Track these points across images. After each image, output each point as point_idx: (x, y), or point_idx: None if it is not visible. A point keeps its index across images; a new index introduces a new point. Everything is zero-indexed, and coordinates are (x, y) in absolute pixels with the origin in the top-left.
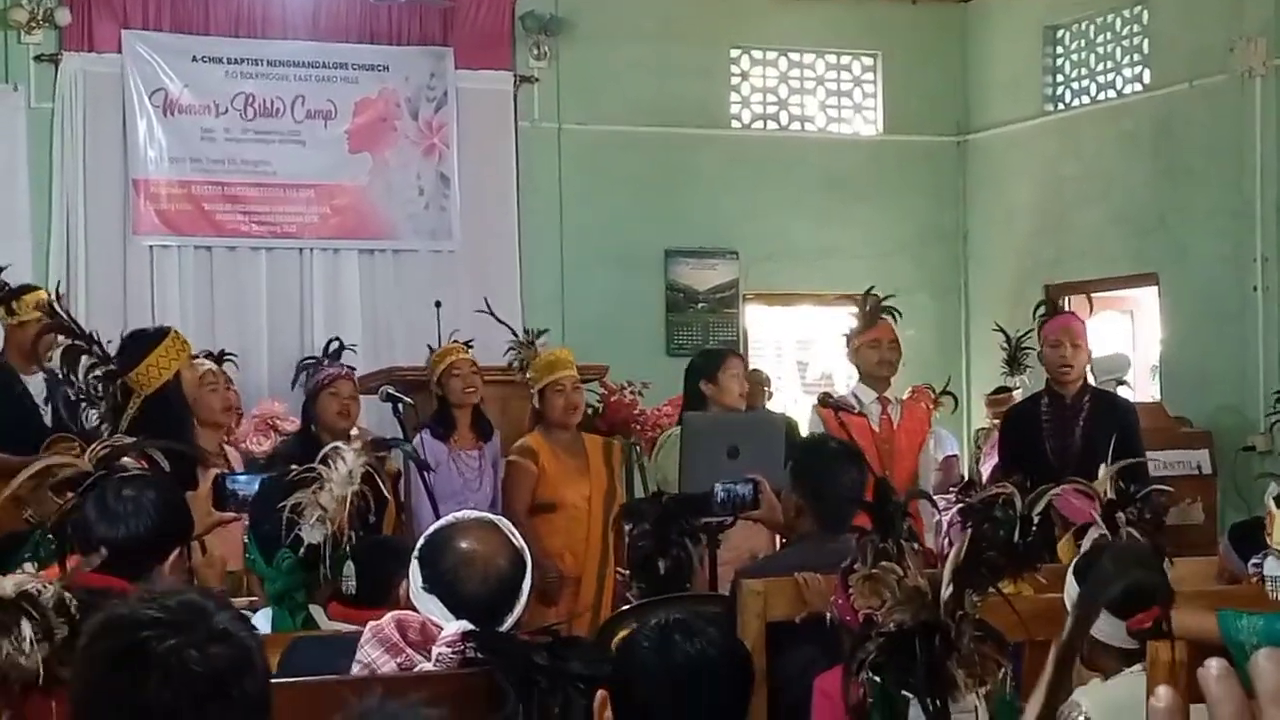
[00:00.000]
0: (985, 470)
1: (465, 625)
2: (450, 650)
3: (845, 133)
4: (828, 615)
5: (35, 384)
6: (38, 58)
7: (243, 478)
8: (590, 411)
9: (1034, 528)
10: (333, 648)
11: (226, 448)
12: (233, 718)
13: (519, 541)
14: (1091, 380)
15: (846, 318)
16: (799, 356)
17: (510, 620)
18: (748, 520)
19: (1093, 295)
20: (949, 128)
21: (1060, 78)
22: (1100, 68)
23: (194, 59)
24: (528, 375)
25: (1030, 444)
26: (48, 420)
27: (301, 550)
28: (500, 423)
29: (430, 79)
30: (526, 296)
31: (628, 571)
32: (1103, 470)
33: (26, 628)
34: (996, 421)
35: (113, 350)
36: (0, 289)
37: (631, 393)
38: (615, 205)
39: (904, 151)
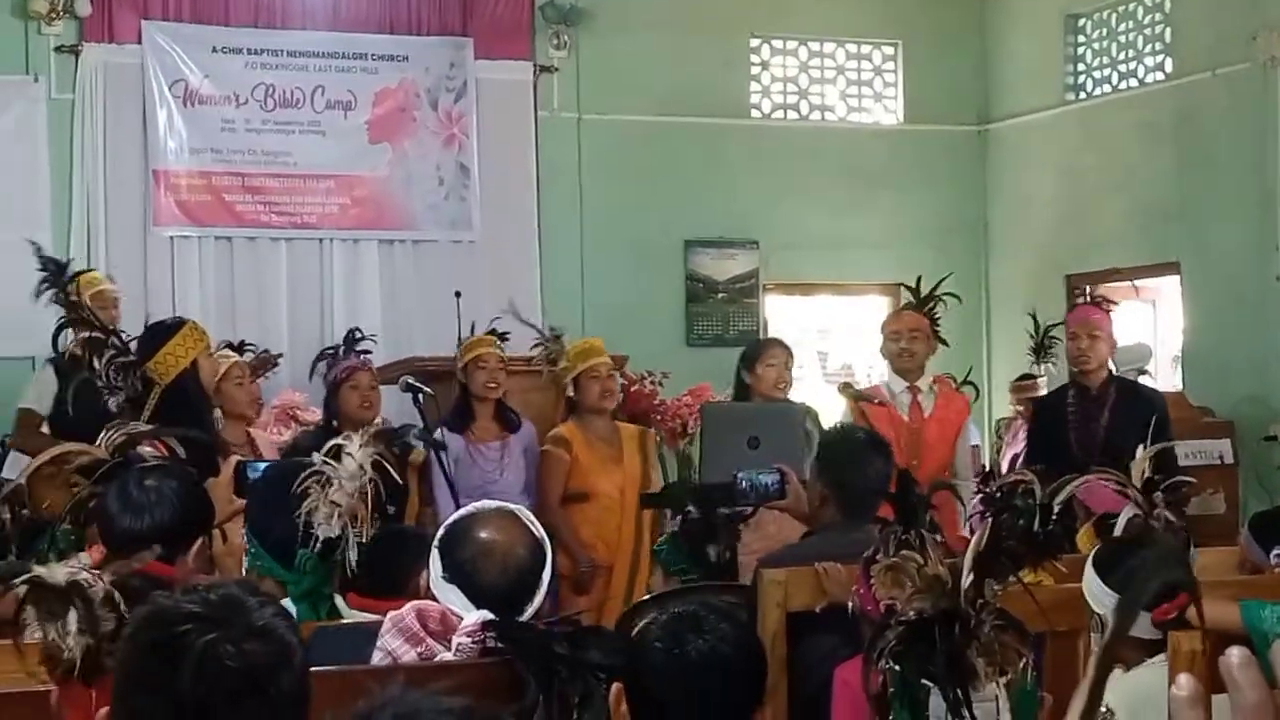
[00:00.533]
0: (1006, 460)
1: (485, 615)
2: (470, 640)
3: (866, 122)
4: (849, 605)
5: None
6: (58, 49)
7: (263, 465)
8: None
9: (1054, 517)
10: (354, 637)
11: (256, 434)
12: (267, 715)
13: (539, 531)
14: (1114, 370)
15: (868, 308)
16: (819, 346)
17: (530, 610)
18: (772, 510)
19: (1113, 284)
20: (970, 117)
21: (1081, 67)
22: (1122, 56)
23: (214, 50)
24: (561, 365)
25: (1056, 435)
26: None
27: (316, 546)
28: (522, 413)
29: (450, 69)
30: (546, 287)
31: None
32: (1140, 452)
33: (72, 619)
34: (1019, 409)
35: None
36: (57, 273)
37: (651, 383)
38: (635, 195)
39: (924, 141)
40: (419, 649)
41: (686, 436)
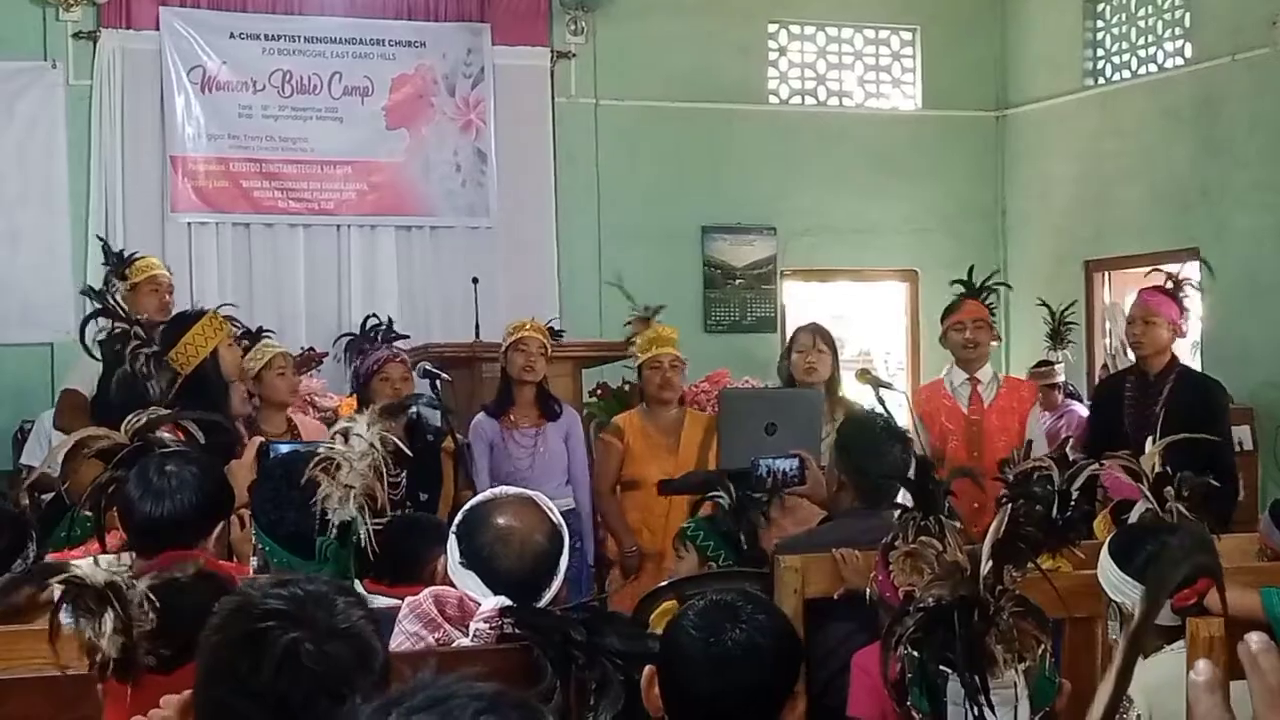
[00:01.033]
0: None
1: (503, 601)
2: (488, 626)
3: (884, 108)
4: (867, 591)
5: None
6: (76, 35)
7: (284, 446)
8: (626, 388)
9: (1072, 502)
10: None
11: (300, 419)
12: (344, 714)
13: (557, 517)
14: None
15: (885, 293)
16: (837, 333)
17: (548, 596)
18: (792, 495)
19: (1130, 271)
20: (988, 102)
21: (1101, 52)
22: (1141, 41)
23: (231, 36)
24: (632, 349)
25: (1112, 419)
26: (155, 395)
27: (333, 532)
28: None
29: (467, 55)
30: (563, 273)
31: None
32: (1149, 446)
33: (109, 618)
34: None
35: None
36: (115, 259)
37: None
38: (652, 181)
39: (943, 126)
40: (436, 634)
41: None
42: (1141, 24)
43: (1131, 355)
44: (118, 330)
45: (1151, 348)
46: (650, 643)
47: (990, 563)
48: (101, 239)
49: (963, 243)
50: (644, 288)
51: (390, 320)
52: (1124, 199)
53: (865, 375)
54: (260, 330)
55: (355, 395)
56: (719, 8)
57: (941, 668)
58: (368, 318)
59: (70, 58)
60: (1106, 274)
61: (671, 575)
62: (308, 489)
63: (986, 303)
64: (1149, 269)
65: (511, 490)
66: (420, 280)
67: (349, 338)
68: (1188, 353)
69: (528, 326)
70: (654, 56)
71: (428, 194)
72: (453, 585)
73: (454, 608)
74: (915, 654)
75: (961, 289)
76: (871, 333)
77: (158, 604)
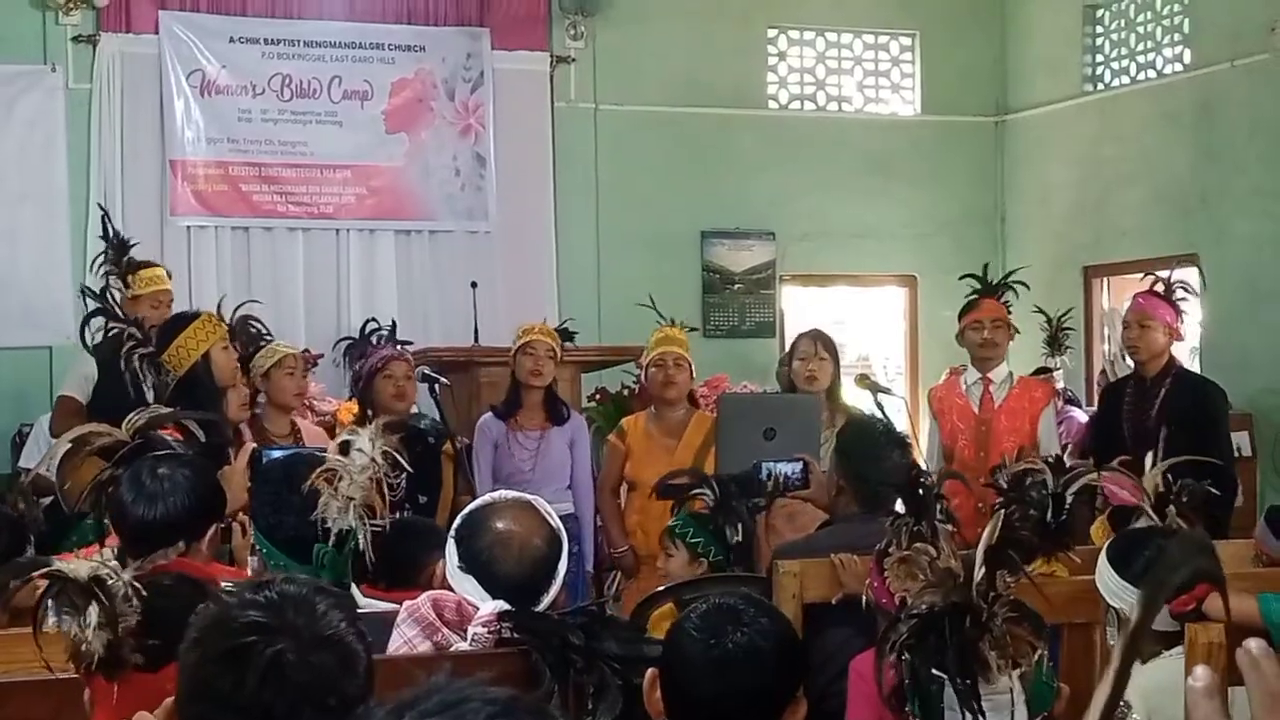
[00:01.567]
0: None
1: (501, 605)
2: (486, 630)
3: (883, 113)
4: (863, 597)
5: None
6: (75, 38)
7: (277, 452)
8: (626, 392)
9: (1067, 508)
10: (370, 627)
11: (303, 424)
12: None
13: (555, 521)
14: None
15: (884, 299)
16: (836, 338)
17: (546, 600)
18: (795, 500)
19: (1129, 276)
20: (987, 108)
21: (1100, 57)
22: (1140, 47)
23: (231, 40)
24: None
25: (1111, 425)
26: (151, 399)
27: (332, 541)
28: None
29: (467, 60)
30: (562, 277)
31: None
32: (1149, 459)
33: (93, 613)
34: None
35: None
36: (124, 266)
37: None
38: (651, 186)
39: (942, 132)
40: (435, 638)
41: None
42: (1141, 30)
43: (1130, 361)
44: (114, 331)
45: (1147, 352)
46: (648, 647)
47: (983, 569)
48: (102, 209)
49: (962, 248)
50: (643, 292)
51: (395, 323)
52: (1123, 205)
53: (864, 381)
54: (261, 334)
55: (356, 396)
56: (718, 13)
57: (935, 673)
58: (367, 322)
59: (70, 61)
60: (1105, 280)
61: (662, 574)
62: (308, 495)
63: (1002, 301)
64: (1146, 274)
65: (510, 494)
66: (419, 284)
67: (348, 342)
68: (1187, 358)
69: (537, 330)
70: (653, 61)
71: (427, 198)
72: (451, 589)
73: (452, 612)
74: (909, 660)
75: (976, 287)
76: (870, 338)
77: (143, 592)
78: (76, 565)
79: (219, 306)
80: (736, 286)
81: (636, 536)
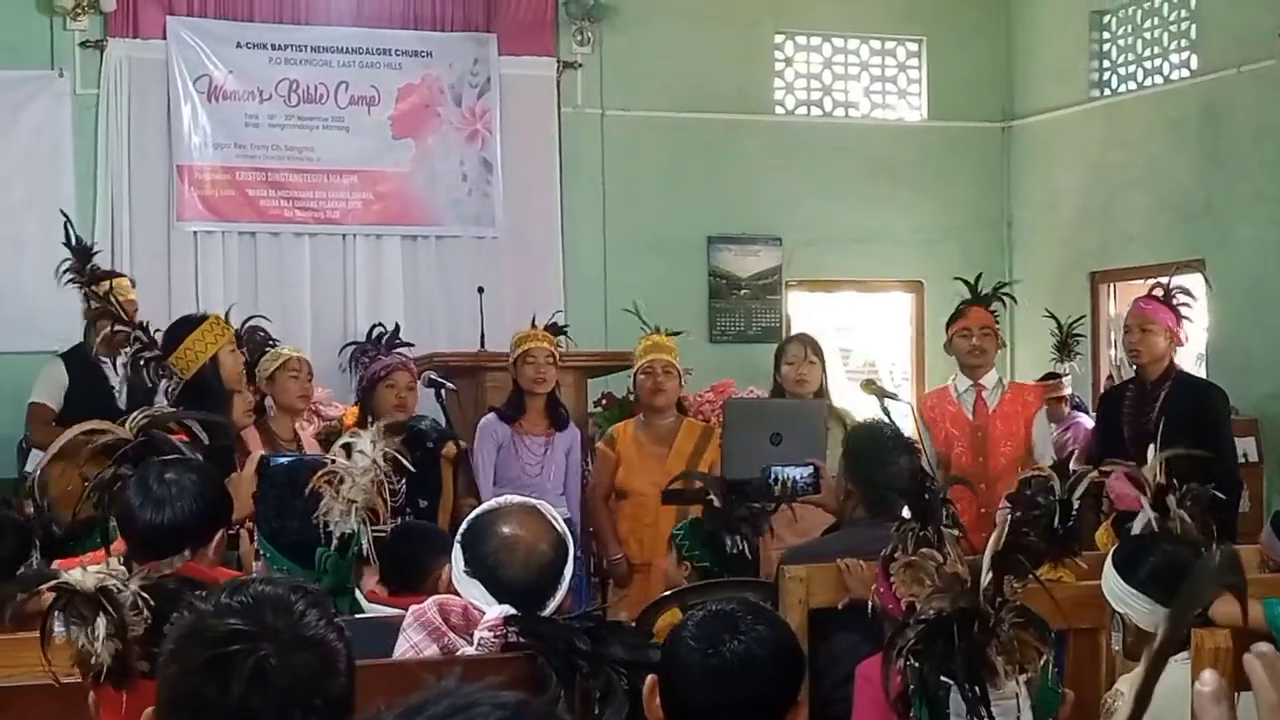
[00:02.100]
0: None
1: (507, 610)
2: (492, 634)
3: (889, 118)
4: (869, 602)
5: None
6: (83, 44)
7: (285, 460)
8: (632, 397)
9: (1074, 512)
10: (376, 631)
11: (303, 434)
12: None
13: (561, 526)
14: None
15: (891, 304)
16: (842, 343)
17: (552, 605)
18: (806, 505)
19: (1136, 282)
20: (994, 113)
21: (1106, 63)
22: (1147, 53)
23: (238, 45)
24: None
25: (1113, 430)
26: (122, 404)
27: (334, 545)
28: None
29: (474, 65)
30: (569, 283)
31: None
32: (1151, 455)
33: (101, 623)
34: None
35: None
36: (89, 273)
37: None
38: (658, 191)
39: (948, 137)
40: (441, 643)
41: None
42: (1147, 36)
43: (1130, 366)
44: (118, 332)
45: (1149, 355)
46: (654, 652)
47: (990, 574)
48: (65, 215)
49: (968, 253)
50: (649, 298)
51: (397, 326)
52: (1130, 210)
53: (870, 386)
54: (266, 341)
55: (358, 402)
56: (725, 18)
57: (943, 679)
58: (373, 327)
59: (77, 67)
60: (1112, 285)
61: (666, 578)
62: (310, 499)
63: (991, 310)
64: (1152, 280)
65: (516, 499)
66: (426, 289)
67: (354, 347)
68: (1193, 363)
69: (533, 337)
70: (660, 67)
71: (433, 203)
72: (457, 594)
73: (458, 616)
74: (916, 666)
75: (966, 293)
76: (877, 343)
77: (151, 601)
78: (83, 576)
79: (227, 315)
80: (743, 292)
81: (630, 545)
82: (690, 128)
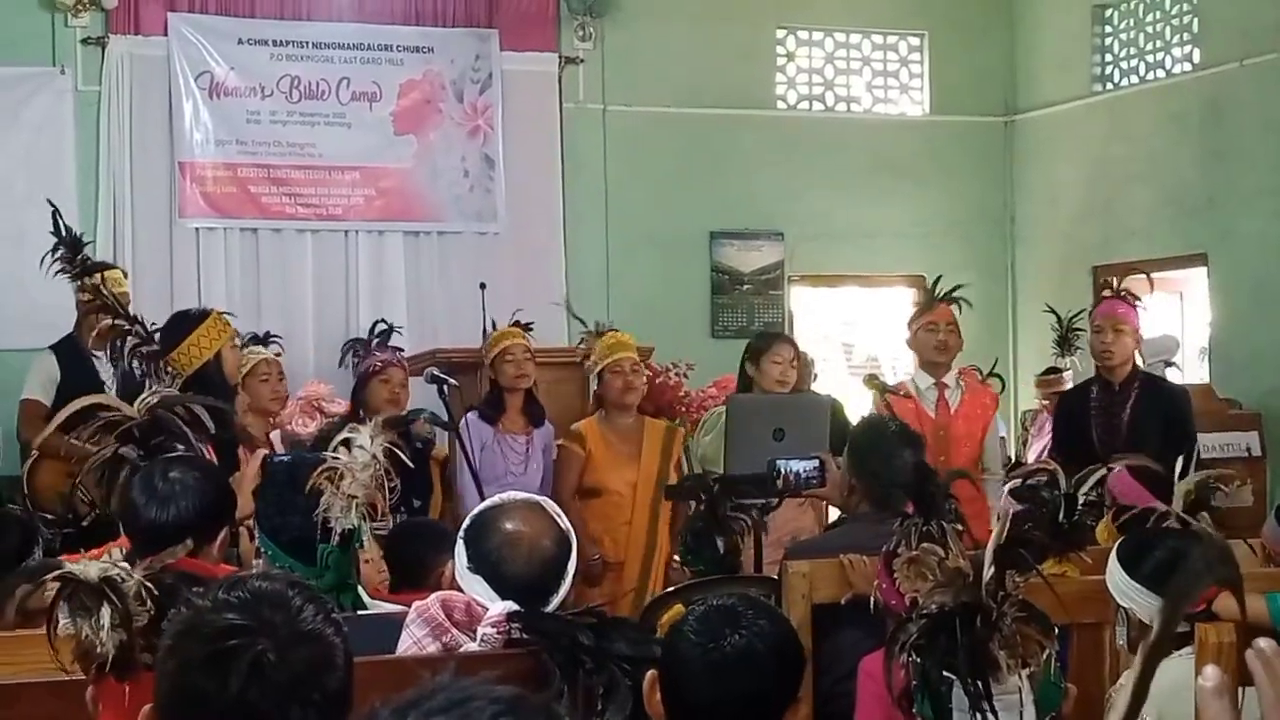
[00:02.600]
0: (1032, 453)
1: (510, 606)
2: (495, 631)
3: (892, 113)
4: (872, 597)
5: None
6: (84, 41)
7: (285, 457)
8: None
9: (1079, 508)
10: (379, 628)
11: (274, 437)
12: (314, 715)
13: (564, 523)
14: (1141, 364)
15: (893, 299)
16: (845, 338)
17: (555, 601)
18: (812, 498)
19: (1138, 277)
20: (996, 108)
21: (1109, 57)
22: (1149, 47)
23: (239, 41)
24: (591, 359)
25: (1078, 431)
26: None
27: (335, 540)
28: (548, 404)
29: (475, 61)
30: (571, 278)
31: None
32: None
33: (105, 613)
34: (1045, 403)
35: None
36: (80, 264)
37: (676, 375)
38: (660, 187)
39: (951, 132)
40: (444, 639)
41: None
42: (1150, 29)
43: (1144, 364)
44: (115, 326)
45: (1120, 356)
46: (657, 648)
47: (993, 568)
48: (53, 205)
49: (971, 248)
50: (651, 293)
51: (390, 325)
52: (1132, 205)
53: (873, 381)
54: (269, 335)
55: (351, 398)
56: (727, 13)
57: (945, 674)
58: (376, 323)
59: (79, 63)
60: (1115, 280)
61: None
62: (312, 496)
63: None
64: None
65: (519, 495)
66: (428, 286)
67: (360, 345)
68: (1196, 359)
69: (509, 335)
70: (662, 62)
71: (435, 199)
72: (460, 590)
73: (461, 613)
74: (919, 661)
75: (932, 293)
76: (879, 338)
77: (155, 592)
78: (87, 567)
79: (138, 316)
80: (745, 287)
81: (604, 544)
82: (692, 123)
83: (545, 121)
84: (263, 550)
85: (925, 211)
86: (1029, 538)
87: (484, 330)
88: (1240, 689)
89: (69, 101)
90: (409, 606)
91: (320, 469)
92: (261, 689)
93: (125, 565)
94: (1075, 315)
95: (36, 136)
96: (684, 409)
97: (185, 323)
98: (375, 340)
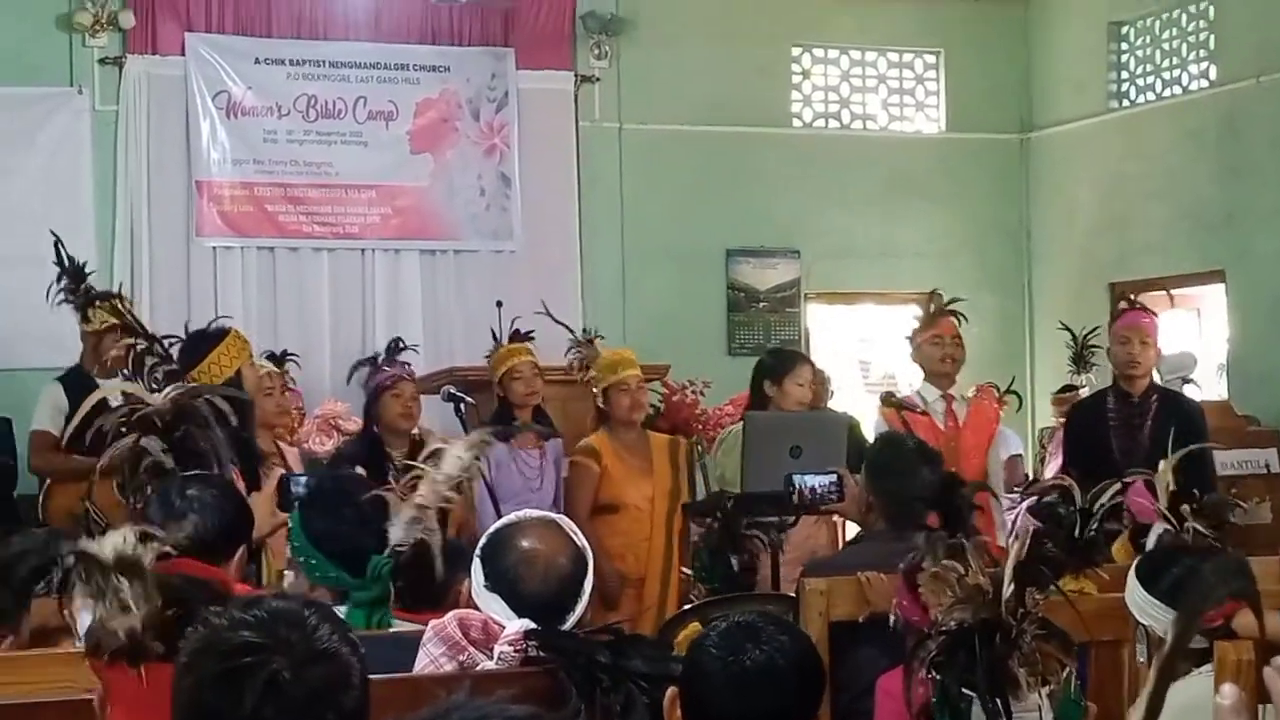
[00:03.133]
0: (1049, 470)
1: (527, 624)
2: (512, 649)
3: (907, 131)
4: (891, 615)
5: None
6: (102, 61)
7: (305, 478)
8: (651, 411)
9: (1096, 524)
10: (396, 646)
11: (285, 448)
12: None
13: (581, 540)
14: (1158, 379)
15: (909, 317)
16: (861, 356)
17: (572, 619)
18: (830, 514)
19: (1157, 293)
20: (1012, 125)
21: (1125, 74)
22: (1165, 64)
23: (256, 61)
24: (591, 374)
25: (1097, 442)
26: None
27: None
28: (560, 423)
29: (491, 79)
30: (588, 296)
31: (689, 571)
32: (1162, 464)
33: (125, 587)
34: (1062, 420)
35: (175, 350)
36: (83, 295)
37: (693, 392)
38: (676, 205)
39: (967, 149)
40: (461, 657)
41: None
42: (1165, 46)
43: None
44: (135, 345)
45: (1145, 368)
46: (675, 665)
47: (1012, 585)
48: (55, 236)
49: (987, 265)
50: (668, 311)
51: (399, 340)
52: (1149, 221)
53: (890, 399)
54: (285, 354)
55: (363, 413)
56: (743, 32)
57: (965, 691)
58: (392, 341)
59: (96, 83)
60: (1131, 297)
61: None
62: (371, 507)
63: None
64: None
65: (535, 513)
66: (444, 304)
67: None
68: (1214, 376)
69: (516, 353)
70: (678, 80)
71: (452, 218)
72: (477, 609)
73: (478, 631)
74: (938, 678)
75: (940, 306)
76: (896, 356)
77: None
78: (100, 544)
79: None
80: (761, 304)
81: (626, 560)
82: (708, 141)
83: (561, 140)
84: (298, 560)
85: (941, 229)
86: (1049, 555)
87: (500, 349)
88: (1260, 707)
89: (86, 121)
90: (426, 625)
91: (406, 479)
92: (277, 707)
93: (139, 546)
94: (1090, 332)
95: (54, 156)
96: (700, 427)
97: (204, 341)
98: (383, 356)
